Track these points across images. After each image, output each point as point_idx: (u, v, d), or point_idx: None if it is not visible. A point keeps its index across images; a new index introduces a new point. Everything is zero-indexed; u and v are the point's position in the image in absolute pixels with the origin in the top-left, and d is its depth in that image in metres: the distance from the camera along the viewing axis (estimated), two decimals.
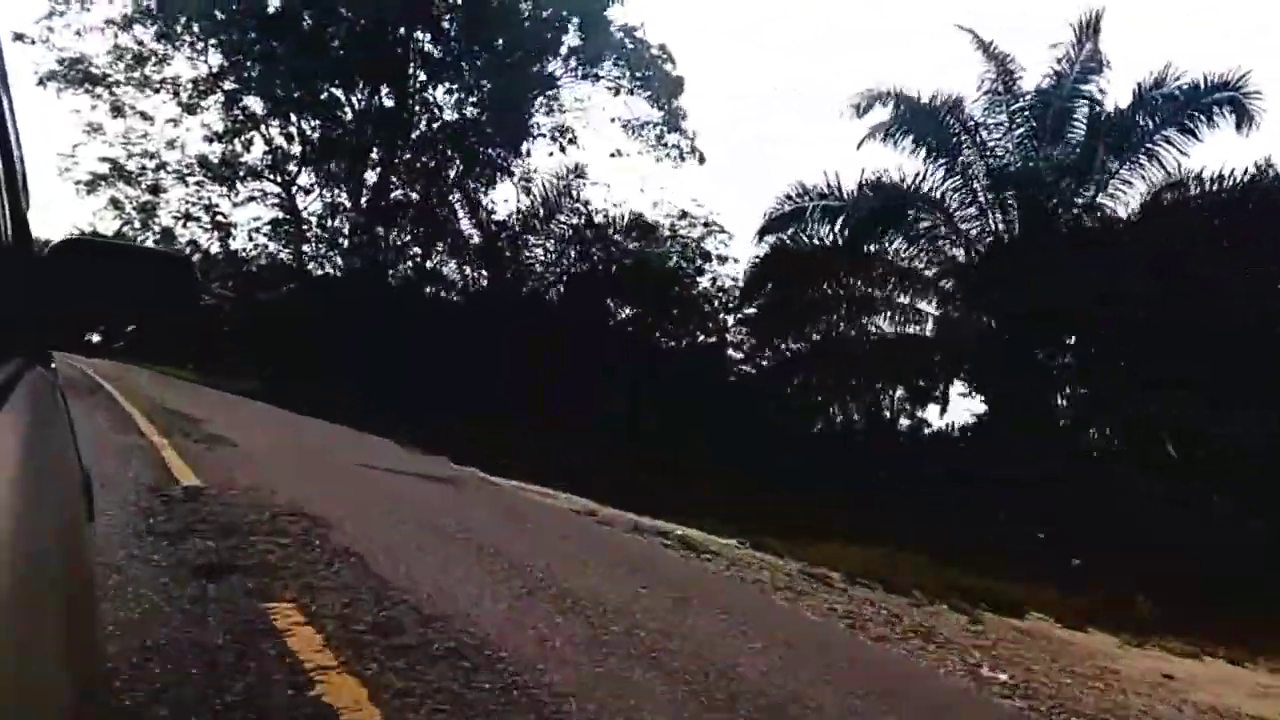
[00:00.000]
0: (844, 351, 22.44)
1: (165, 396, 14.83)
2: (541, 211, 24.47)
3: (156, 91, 28.15)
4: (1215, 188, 17.81)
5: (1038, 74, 20.56)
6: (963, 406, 25.81)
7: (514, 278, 26.07)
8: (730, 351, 27.40)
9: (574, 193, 24.38)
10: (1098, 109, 19.82)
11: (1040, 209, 20.13)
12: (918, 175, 20.39)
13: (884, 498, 18.19)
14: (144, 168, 28.95)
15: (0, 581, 0.59)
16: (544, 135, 25.82)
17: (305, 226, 29.06)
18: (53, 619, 0.77)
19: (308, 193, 28.19)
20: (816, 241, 22.36)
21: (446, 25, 26.43)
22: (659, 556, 7.33)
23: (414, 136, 26.96)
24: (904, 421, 25.40)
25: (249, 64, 27.60)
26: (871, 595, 7.69)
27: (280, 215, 29.29)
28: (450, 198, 25.96)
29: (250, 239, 29.83)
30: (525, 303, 25.61)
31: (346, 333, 23.66)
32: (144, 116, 28.61)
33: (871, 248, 20.96)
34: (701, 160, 25.40)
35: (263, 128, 28.69)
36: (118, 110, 28.12)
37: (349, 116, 27.72)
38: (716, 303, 27.80)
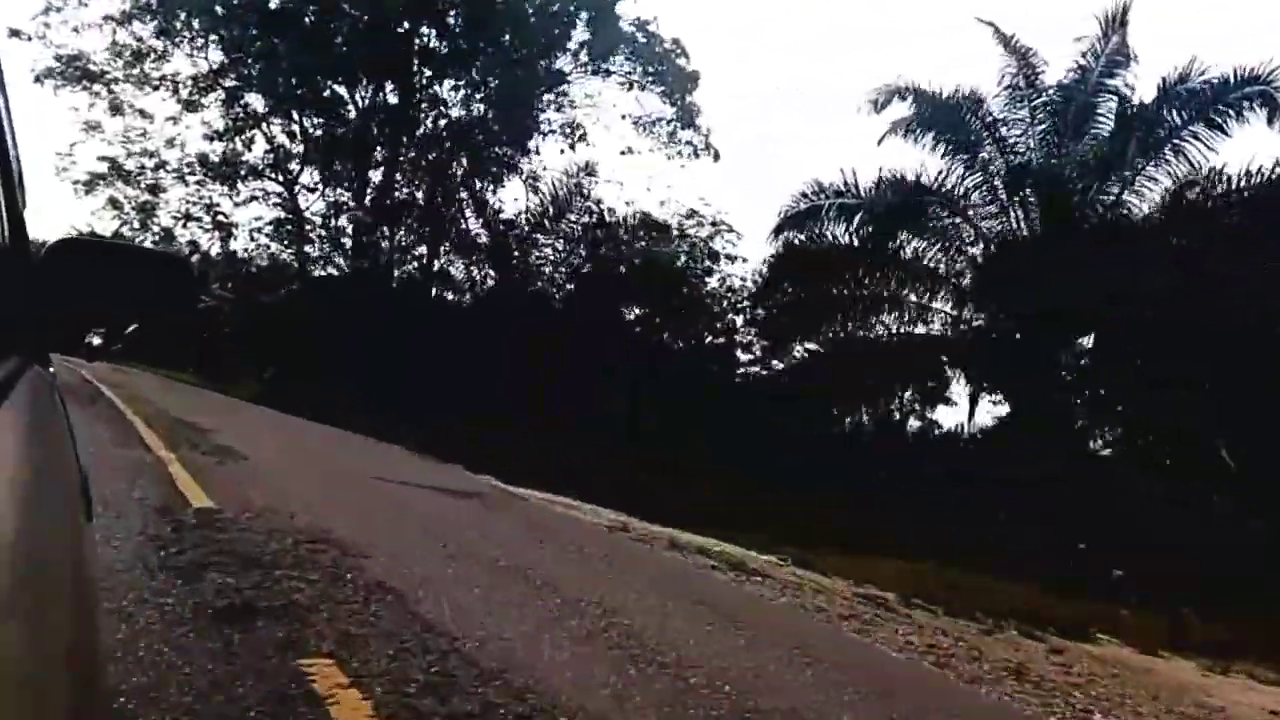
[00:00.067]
0: (861, 351, 21.95)
1: (168, 403, 14.26)
2: (551, 210, 23.87)
3: (156, 89, 27.57)
4: (1243, 184, 17.38)
5: (1059, 69, 20.02)
6: (982, 409, 25.42)
7: (521, 278, 25.51)
8: (738, 353, 26.97)
9: (585, 191, 23.80)
10: (1125, 104, 19.26)
11: (1062, 206, 19.64)
12: (940, 172, 19.87)
13: (888, 499, 17.79)
14: (143, 167, 28.37)
15: (0, 581, 0.60)
16: (554, 132, 25.23)
17: (308, 226, 28.49)
18: (53, 618, 0.77)
19: (312, 191, 27.58)
20: (832, 240, 21.89)
21: (451, 20, 25.84)
22: (711, 583, 6.77)
23: (419, 134, 26.36)
24: (914, 423, 25.12)
25: (250, 60, 26.98)
26: (937, 621, 7.15)
27: (282, 215, 28.72)
28: (457, 196, 25.35)
29: (252, 239, 29.24)
30: (531, 303, 25.07)
31: (349, 334, 23.09)
32: (143, 114, 28.06)
33: (891, 246, 20.40)
34: (716, 157, 24.84)
35: (264, 126, 28.12)
36: (116, 108, 27.55)
37: (352, 114, 27.12)
38: (725, 303, 27.32)
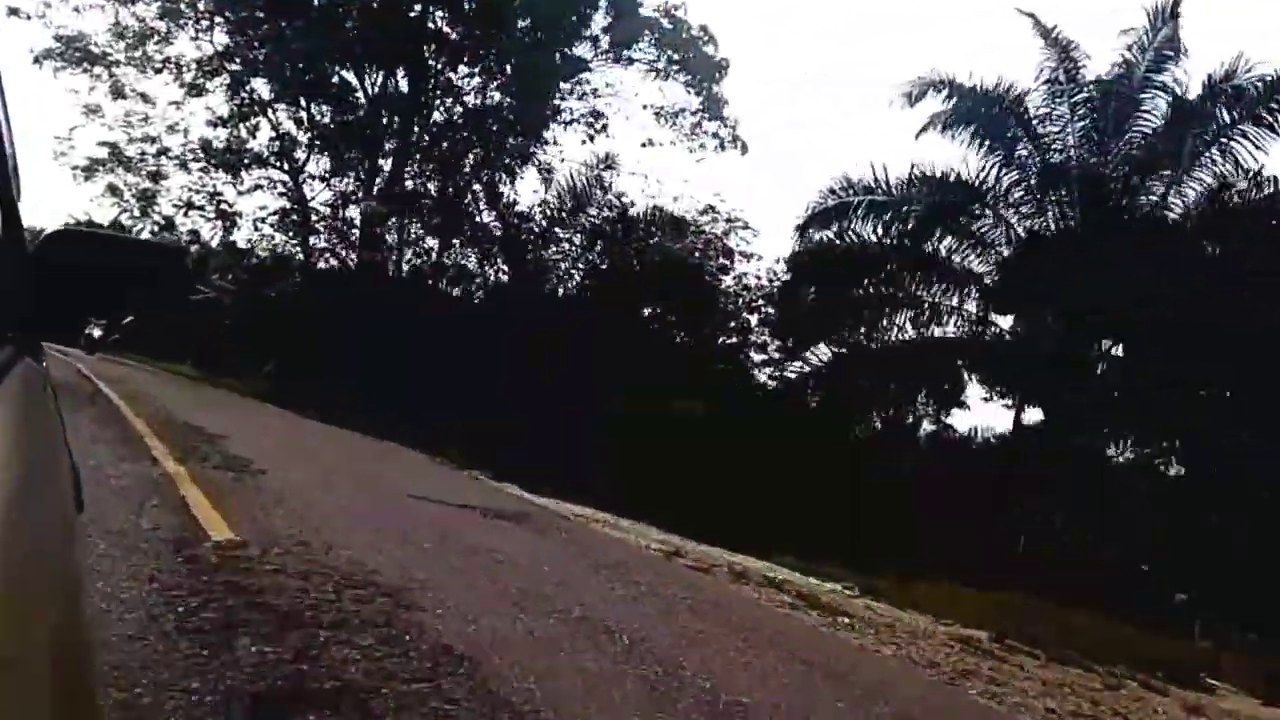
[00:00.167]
0: (891, 354, 21.22)
1: (171, 403, 13.36)
2: (569, 204, 22.91)
3: (159, 72, 26.58)
4: None
5: (1101, 63, 19.25)
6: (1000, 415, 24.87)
7: (535, 273, 24.60)
8: (752, 353, 26.23)
9: (605, 184, 22.86)
10: (1179, 100, 18.44)
11: (1103, 206, 18.89)
12: (982, 169, 19.06)
13: (919, 508, 17.17)
14: (144, 153, 27.37)
15: None
16: (575, 121, 24.23)
17: (314, 217, 27.54)
18: (45, 609, 0.78)
19: (324, 180, 26.57)
20: (860, 239, 21.12)
21: (465, 5, 24.86)
22: (805, 631, 5.92)
23: (431, 123, 25.39)
24: (928, 427, 24.60)
25: (256, 44, 26.00)
26: (1048, 671, 6.32)
27: (287, 205, 27.74)
28: (470, 187, 24.40)
29: (255, 229, 28.25)
30: (544, 300, 24.23)
31: (354, 329, 22.18)
32: (145, 99, 27.07)
33: (929, 246, 19.59)
34: (744, 150, 23.85)
35: (270, 112, 27.12)
36: (118, 92, 26.56)
37: (362, 101, 26.15)
38: (740, 301, 26.53)
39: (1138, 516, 16.42)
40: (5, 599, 0.61)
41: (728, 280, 25.26)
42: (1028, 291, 19.15)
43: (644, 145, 24.53)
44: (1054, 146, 19.62)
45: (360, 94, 26.21)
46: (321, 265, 27.93)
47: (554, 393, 20.05)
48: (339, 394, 19.20)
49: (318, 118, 26.53)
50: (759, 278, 24.83)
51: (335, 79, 26.26)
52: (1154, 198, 18.68)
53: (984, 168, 19.22)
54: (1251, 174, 17.07)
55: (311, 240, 27.50)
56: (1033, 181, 19.56)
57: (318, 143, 26.70)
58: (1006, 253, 20.26)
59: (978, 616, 8.28)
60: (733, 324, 26.86)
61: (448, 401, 19.65)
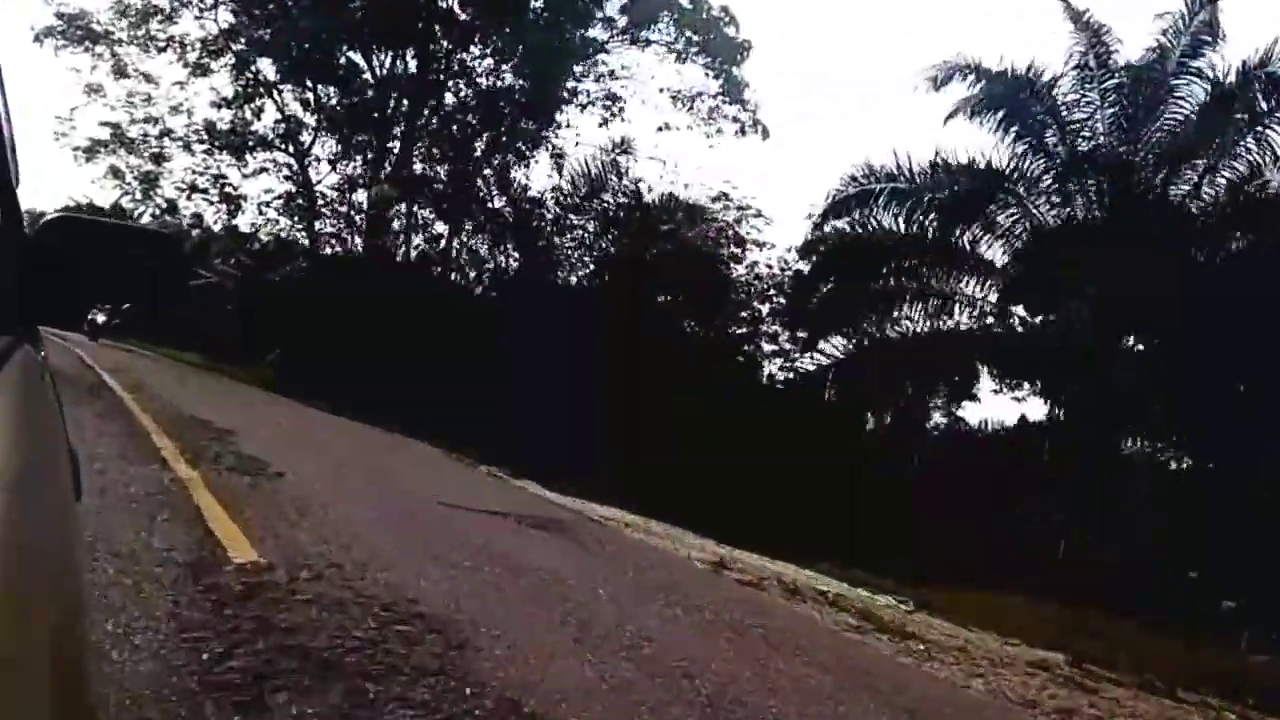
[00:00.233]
0: (912, 347, 20.71)
1: (176, 394, 12.81)
2: (585, 188, 22.27)
3: (162, 51, 25.96)
4: None
5: (1133, 49, 18.71)
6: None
7: (547, 260, 23.97)
8: (763, 344, 25.78)
9: (621, 169, 22.21)
10: (1217, 86, 17.82)
11: (1132, 194, 18.34)
12: (1014, 156, 18.46)
13: (938, 508, 16.78)
14: (147, 134, 26.75)
15: None
16: (591, 104, 23.52)
17: (320, 201, 26.91)
18: (44, 600, 0.77)
19: (332, 163, 25.90)
20: (882, 227, 20.58)
21: None
22: (882, 662, 5.37)
23: (441, 105, 24.71)
24: (939, 419, 24.36)
25: (262, 23, 25.30)
26: (1138, 701, 5.79)
27: (293, 189, 27.09)
28: (481, 171, 23.74)
29: (260, 213, 27.62)
30: (556, 288, 23.65)
31: (360, 315, 21.59)
32: (148, 79, 26.46)
33: (958, 236, 19.00)
34: (765, 134, 23.17)
35: (275, 93, 26.45)
36: (120, 71, 25.95)
37: (369, 82, 25.45)
38: (751, 290, 26.02)
39: (1174, 519, 15.95)
40: (4, 594, 0.59)
41: (740, 269, 24.72)
42: (1052, 282, 18.65)
43: (660, 129, 23.89)
44: (1082, 134, 19.05)
45: (368, 75, 25.54)
46: (326, 250, 27.35)
47: (565, 383, 19.54)
48: (344, 383, 18.72)
49: (324, 100, 25.89)
50: (770, 267, 24.29)
51: (342, 60, 25.60)
52: (1186, 187, 18.14)
53: (1014, 155, 18.63)
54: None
55: (317, 225, 26.89)
56: (1060, 169, 19.00)
57: (325, 125, 26.05)
58: (1031, 243, 19.71)
59: (1038, 632, 7.84)
60: (744, 314, 26.37)
61: (456, 392, 19.19)
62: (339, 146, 25.86)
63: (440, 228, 25.02)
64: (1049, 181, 19.26)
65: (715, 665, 4.24)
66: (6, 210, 1.41)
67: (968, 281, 20.41)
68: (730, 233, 25.37)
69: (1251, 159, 17.37)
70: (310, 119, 26.40)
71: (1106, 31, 18.96)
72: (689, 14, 22.31)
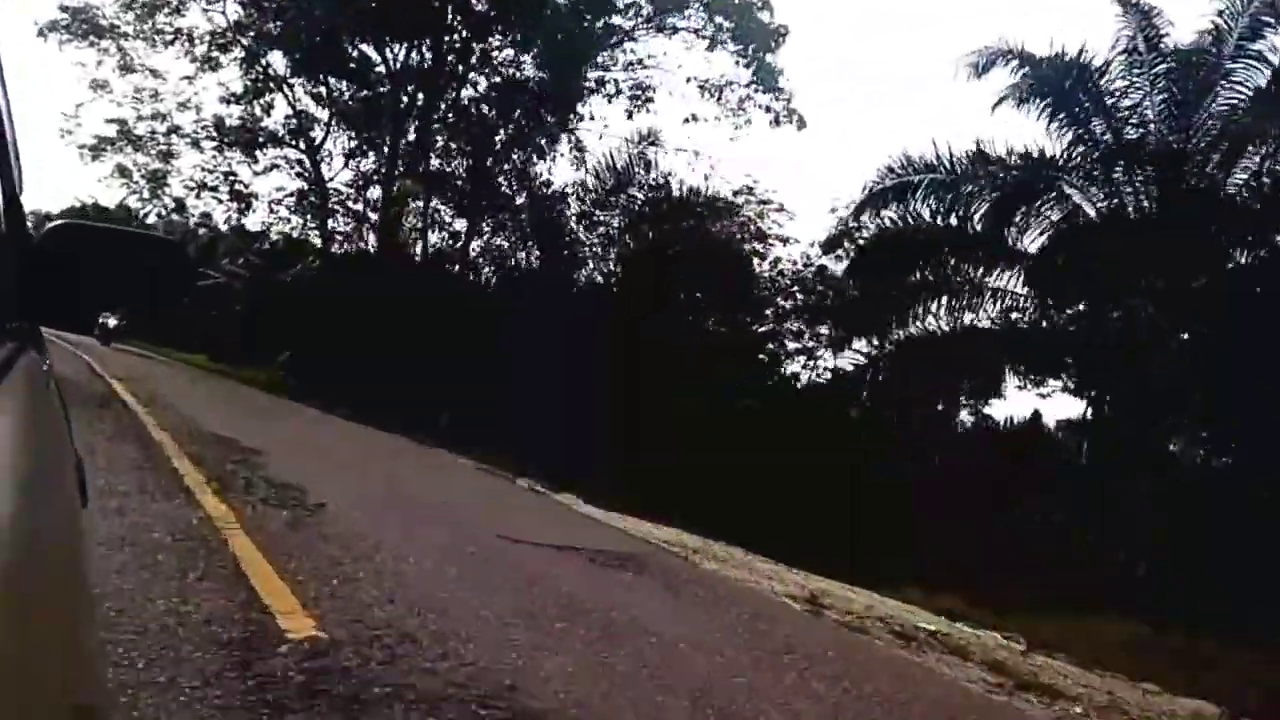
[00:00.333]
0: (951, 345, 19.98)
1: (192, 405, 11.99)
2: (610, 182, 21.41)
3: (169, 45, 25.15)
4: None
5: (1183, 32, 17.98)
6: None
7: (570, 256, 23.15)
8: (786, 341, 25.05)
9: (649, 161, 21.36)
10: (1276, 71, 17.02)
11: (1182, 185, 17.57)
12: (1067, 145, 17.66)
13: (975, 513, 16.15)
14: (154, 131, 25.93)
15: None
16: (620, 94, 22.63)
17: (332, 198, 26.09)
18: (50, 606, 0.76)
19: (346, 159, 25.07)
20: (920, 220, 19.85)
21: None
22: None
23: (457, 98, 23.85)
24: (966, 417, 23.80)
25: (272, 16, 24.48)
26: None
27: (305, 186, 26.29)
28: (501, 166, 22.89)
29: (271, 211, 26.81)
30: (579, 285, 22.88)
31: (374, 315, 20.82)
32: (155, 74, 25.66)
33: (1009, 229, 18.18)
34: (801, 125, 22.27)
35: (286, 88, 25.64)
36: (126, 66, 25.17)
37: (383, 75, 24.62)
38: (774, 286, 25.26)
39: (1215, 521, 15.17)
40: (6, 595, 0.59)
41: (763, 265, 23.96)
42: (1099, 276, 17.92)
43: (686, 121, 23.01)
44: (1130, 121, 18.25)
45: (381, 68, 24.71)
46: (341, 250, 26.58)
47: (587, 382, 18.80)
48: (359, 386, 18.05)
49: (337, 94, 25.08)
50: (794, 262, 23.51)
51: (355, 52, 24.78)
52: (1243, 176, 17.34)
53: (1064, 144, 17.83)
54: None
55: (330, 223, 26.09)
56: (1108, 159, 18.20)
57: (337, 120, 25.23)
58: (1078, 236, 18.94)
59: (1153, 665, 7.16)
60: (768, 311, 25.63)
61: (474, 392, 18.55)
62: (352, 142, 25.03)
63: (459, 225, 24.20)
64: (1096, 171, 18.50)
65: None
66: (10, 216, 1.39)
67: (1009, 277, 19.68)
68: (752, 228, 24.60)
69: None
70: (322, 114, 25.65)
71: (1157, 14, 18.15)
72: None
